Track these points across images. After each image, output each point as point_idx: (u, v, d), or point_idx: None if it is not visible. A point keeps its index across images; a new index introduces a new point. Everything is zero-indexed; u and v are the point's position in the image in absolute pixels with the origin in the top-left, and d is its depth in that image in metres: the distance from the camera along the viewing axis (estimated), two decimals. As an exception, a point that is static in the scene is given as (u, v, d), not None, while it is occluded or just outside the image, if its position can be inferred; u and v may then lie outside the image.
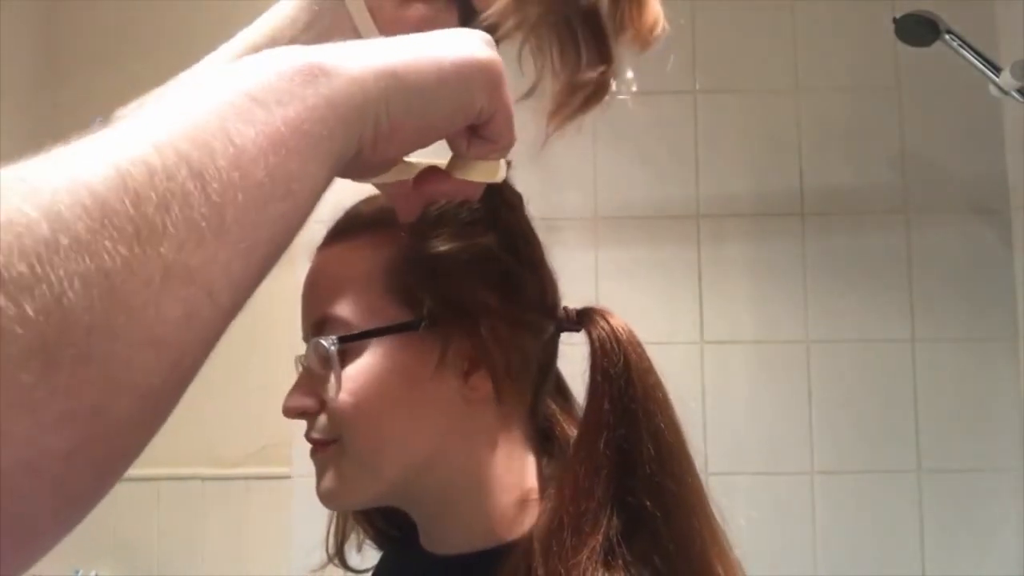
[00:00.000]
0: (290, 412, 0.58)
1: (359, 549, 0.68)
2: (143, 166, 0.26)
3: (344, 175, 0.39)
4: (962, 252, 1.60)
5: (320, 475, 0.58)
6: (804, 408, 1.58)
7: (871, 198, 1.63)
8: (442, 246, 0.56)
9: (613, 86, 0.54)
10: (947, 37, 1.44)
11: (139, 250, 0.25)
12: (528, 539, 0.54)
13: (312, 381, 0.57)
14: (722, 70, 1.67)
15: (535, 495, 0.58)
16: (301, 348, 0.59)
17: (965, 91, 1.58)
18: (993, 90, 1.44)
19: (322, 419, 0.57)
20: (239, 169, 0.28)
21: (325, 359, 0.55)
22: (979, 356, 1.57)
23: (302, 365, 0.60)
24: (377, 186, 0.54)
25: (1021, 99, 1.40)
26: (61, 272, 0.23)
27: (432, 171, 0.47)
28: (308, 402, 0.57)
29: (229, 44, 0.52)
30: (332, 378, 0.55)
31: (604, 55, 0.53)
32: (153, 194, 0.25)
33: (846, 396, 1.58)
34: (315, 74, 0.33)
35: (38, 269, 0.22)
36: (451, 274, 0.56)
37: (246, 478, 1.59)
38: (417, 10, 0.52)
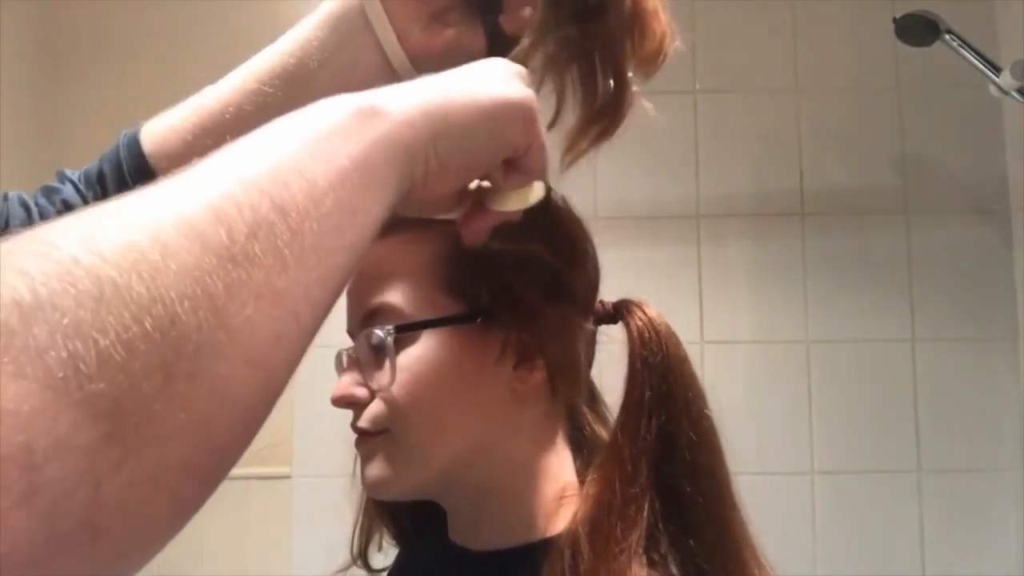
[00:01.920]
0: (340, 401, 0.58)
1: (380, 548, 0.68)
2: (231, 201, 0.28)
3: (400, 212, 0.41)
4: (962, 252, 1.60)
5: (366, 464, 0.58)
6: (804, 408, 1.58)
7: (871, 198, 1.62)
8: (495, 243, 0.57)
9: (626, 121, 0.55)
10: (947, 37, 1.44)
11: (235, 275, 0.27)
12: (572, 529, 0.55)
13: (361, 372, 0.58)
14: (722, 70, 1.67)
15: (572, 491, 0.59)
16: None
17: (965, 91, 1.58)
18: (993, 90, 1.44)
19: (371, 409, 0.57)
20: (312, 201, 0.30)
21: (379, 348, 0.56)
22: (979, 356, 1.57)
23: (347, 356, 0.61)
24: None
25: (1021, 99, 1.40)
26: (173, 294, 0.25)
27: (473, 211, 0.50)
28: (359, 391, 0.57)
29: (255, 62, 0.53)
30: (386, 367, 0.55)
31: (621, 90, 0.53)
32: (243, 225, 0.28)
33: (846, 396, 1.58)
34: (369, 115, 0.35)
35: (153, 291, 0.25)
36: (505, 269, 0.57)
37: (246, 478, 1.58)
38: (444, 35, 0.53)
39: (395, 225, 0.59)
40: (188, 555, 1.58)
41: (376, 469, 0.57)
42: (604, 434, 0.64)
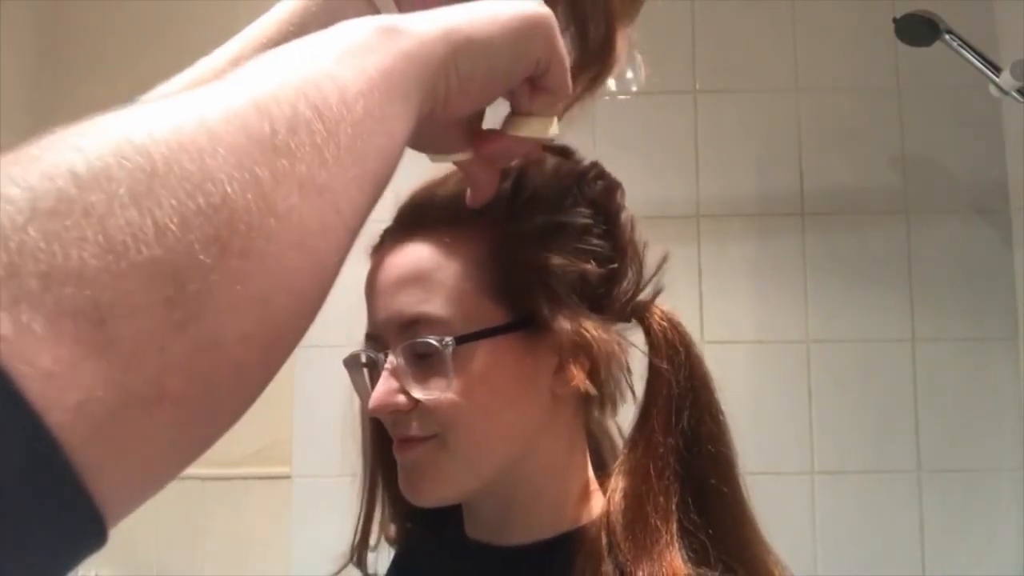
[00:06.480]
0: (382, 410, 0.57)
1: (373, 548, 0.68)
2: (271, 98, 0.29)
3: (418, 146, 0.41)
4: (962, 252, 1.60)
5: (413, 471, 0.58)
6: (804, 408, 1.58)
7: (871, 198, 1.62)
8: (543, 252, 0.57)
9: (614, 72, 0.55)
10: (947, 37, 1.44)
11: (280, 164, 0.28)
12: (607, 520, 0.56)
13: (401, 378, 0.57)
14: (722, 70, 1.67)
15: (594, 486, 0.61)
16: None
17: (965, 91, 1.58)
18: (993, 90, 1.44)
19: (422, 416, 0.56)
20: (345, 105, 0.31)
21: (429, 357, 0.55)
22: (979, 356, 1.57)
23: (367, 357, 0.60)
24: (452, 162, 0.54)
25: (1021, 99, 1.40)
26: (222, 176, 0.26)
27: (486, 133, 0.50)
28: (400, 399, 0.56)
29: (252, 31, 0.52)
30: (441, 376, 0.55)
31: (609, 31, 0.53)
32: (283, 119, 0.29)
33: (846, 396, 1.58)
34: (391, 33, 0.36)
35: (204, 171, 0.26)
36: (552, 276, 0.57)
37: (246, 478, 1.58)
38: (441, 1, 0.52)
39: (424, 222, 0.59)
40: (188, 555, 1.58)
41: (425, 477, 0.57)
42: (609, 426, 0.66)
